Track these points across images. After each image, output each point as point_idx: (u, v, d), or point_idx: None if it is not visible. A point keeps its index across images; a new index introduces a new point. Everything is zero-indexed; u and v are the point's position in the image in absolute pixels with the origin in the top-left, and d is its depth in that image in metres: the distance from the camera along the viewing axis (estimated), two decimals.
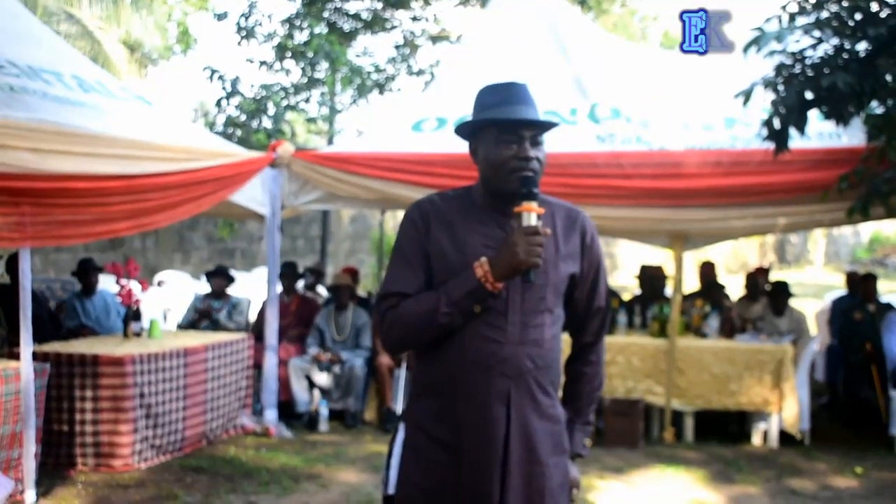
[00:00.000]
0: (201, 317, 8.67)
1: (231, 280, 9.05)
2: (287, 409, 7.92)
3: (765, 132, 6.23)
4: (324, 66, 13.64)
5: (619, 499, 6.00)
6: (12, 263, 6.90)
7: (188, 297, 9.43)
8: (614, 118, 7.77)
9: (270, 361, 7.72)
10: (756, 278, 8.89)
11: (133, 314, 7.13)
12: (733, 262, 25.28)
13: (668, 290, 8.42)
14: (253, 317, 9.01)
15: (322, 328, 8.35)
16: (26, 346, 5.32)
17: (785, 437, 7.39)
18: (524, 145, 2.49)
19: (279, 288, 8.72)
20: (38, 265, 12.04)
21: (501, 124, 2.51)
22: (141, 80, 17.12)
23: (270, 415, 7.64)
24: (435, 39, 16.52)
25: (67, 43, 8.62)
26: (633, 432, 7.29)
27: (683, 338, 7.67)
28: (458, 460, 2.48)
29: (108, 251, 13.37)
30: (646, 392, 7.52)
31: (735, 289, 9.71)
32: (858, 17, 5.83)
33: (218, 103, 13.06)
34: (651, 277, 8.77)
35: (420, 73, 15.88)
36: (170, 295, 11.01)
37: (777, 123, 6.10)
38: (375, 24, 16.10)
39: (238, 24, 14.41)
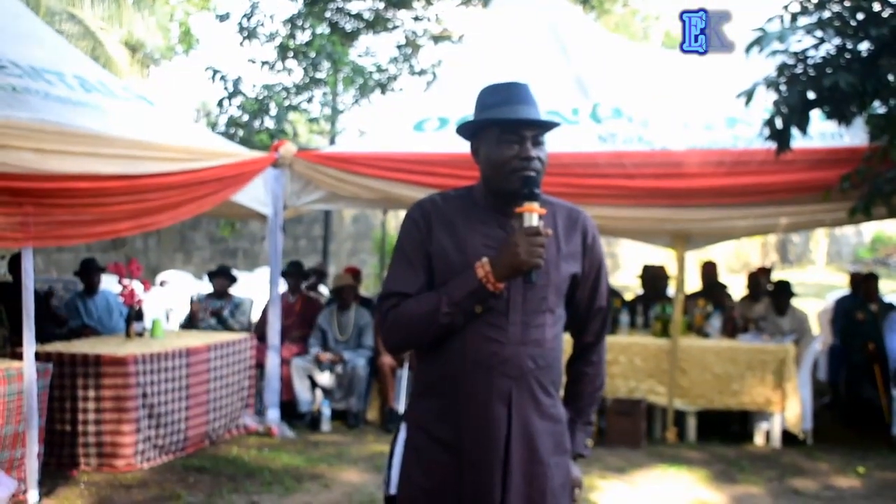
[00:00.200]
0: (211, 315, 8.66)
1: (233, 280, 9.05)
2: (289, 409, 7.93)
3: (767, 132, 6.23)
4: (326, 66, 13.64)
5: (621, 499, 6.00)
6: (15, 263, 6.92)
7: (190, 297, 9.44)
8: (616, 118, 7.77)
9: (273, 361, 7.73)
10: (758, 278, 8.88)
11: (135, 314, 7.14)
12: (735, 261, 25.25)
13: (671, 289, 8.42)
14: (256, 317, 9.01)
15: (325, 328, 8.35)
16: (29, 346, 5.33)
17: (787, 436, 7.38)
18: (526, 145, 2.49)
19: (284, 287, 8.74)
20: (41, 265, 12.05)
21: (503, 124, 2.50)
22: (143, 81, 17.13)
23: (273, 415, 7.64)
24: (437, 39, 16.52)
25: (69, 43, 8.62)
26: (635, 432, 7.29)
27: (686, 337, 7.66)
28: (460, 460, 2.48)
29: (111, 251, 13.38)
30: (648, 392, 7.51)
31: (737, 289, 9.70)
32: (860, 17, 5.83)
33: (220, 103, 13.06)
34: (653, 277, 8.77)
35: (422, 72, 15.87)
36: (172, 295, 11.03)
37: (779, 123, 6.10)
38: (377, 23, 16.09)
39: (240, 24, 14.41)
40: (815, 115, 6.21)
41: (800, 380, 7.40)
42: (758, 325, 8.04)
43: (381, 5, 15.85)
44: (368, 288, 14.95)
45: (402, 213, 3.45)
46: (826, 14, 5.86)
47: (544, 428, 2.53)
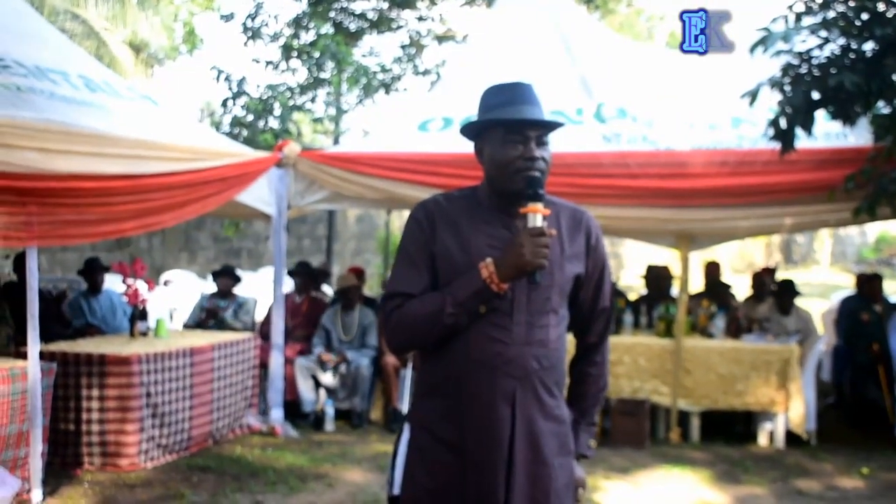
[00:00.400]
0: (208, 316, 8.67)
1: (237, 280, 9.05)
2: (293, 409, 7.93)
3: (771, 132, 6.22)
4: (330, 66, 13.65)
5: (624, 499, 5.99)
6: (20, 262, 6.93)
7: (194, 297, 9.44)
8: (620, 118, 7.77)
9: (276, 361, 7.73)
10: (762, 278, 8.87)
11: (139, 314, 7.14)
12: (739, 262, 25.22)
13: (675, 290, 8.41)
14: (260, 317, 9.02)
15: (328, 328, 8.35)
16: (33, 346, 5.34)
17: (791, 437, 7.37)
18: (530, 145, 2.49)
19: (290, 287, 8.73)
20: (45, 264, 12.07)
21: (507, 124, 2.50)
22: (147, 81, 17.14)
23: (276, 414, 7.65)
24: (441, 39, 16.52)
25: (73, 43, 8.63)
26: (639, 432, 7.28)
27: (690, 338, 7.66)
28: (463, 460, 2.48)
29: (115, 251, 13.40)
30: (652, 392, 7.51)
31: (741, 289, 9.69)
32: (865, 16, 5.82)
33: (224, 103, 13.08)
34: (657, 277, 8.76)
35: (426, 72, 15.87)
36: (176, 294, 11.03)
37: (783, 123, 6.09)
38: (381, 23, 16.10)
39: (244, 24, 14.43)
40: (820, 115, 6.19)
41: (804, 380, 7.39)
42: (762, 325, 8.03)
43: (386, 5, 15.86)
44: (372, 288, 14.97)
45: (406, 213, 3.44)
46: (831, 14, 5.86)
47: (548, 428, 2.52)
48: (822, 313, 10.50)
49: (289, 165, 7.67)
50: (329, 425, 7.78)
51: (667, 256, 14.12)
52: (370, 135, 11.75)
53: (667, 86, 8.04)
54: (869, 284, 8.79)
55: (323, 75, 13.94)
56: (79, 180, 5.57)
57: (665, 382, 7.49)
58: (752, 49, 5.72)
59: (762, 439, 7.50)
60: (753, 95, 6.00)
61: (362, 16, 15.94)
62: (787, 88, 5.99)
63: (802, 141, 6.31)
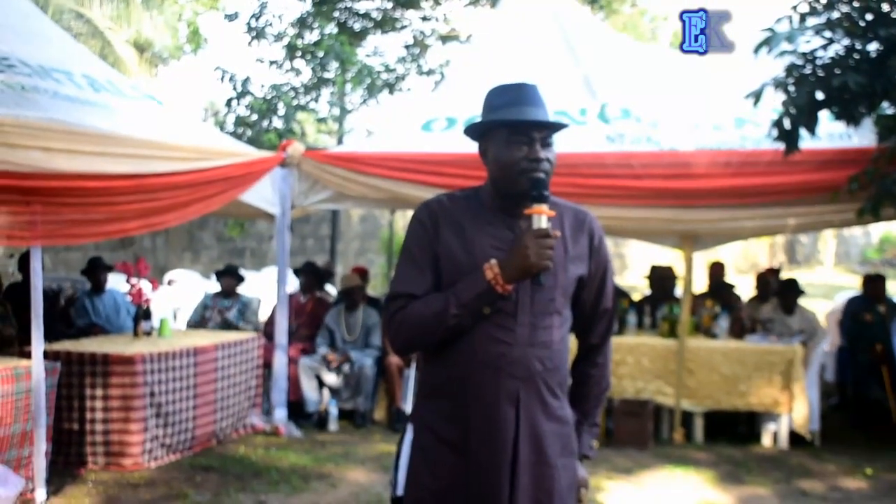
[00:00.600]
0: (211, 316, 8.67)
1: (241, 279, 9.06)
2: (297, 409, 7.93)
3: (775, 132, 6.21)
4: (334, 65, 13.65)
5: (627, 500, 5.99)
6: (24, 262, 6.94)
7: (198, 297, 9.45)
8: (624, 118, 7.76)
9: (280, 361, 7.73)
10: (766, 279, 8.86)
11: (143, 313, 7.14)
12: (743, 262, 25.21)
13: (678, 290, 8.41)
14: (263, 316, 9.02)
15: (332, 328, 8.35)
16: (37, 345, 5.35)
17: (795, 438, 7.37)
18: (534, 146, 2.48)
19: (295, 286, 8.73)
20: (49, 264, 12.09)
21: (511, 125, 2.50)
22: (151, 80, 17.17)
23: (280, 414, 7.65)
24: (445, 39, 16.52)
25: (78, 42, 8.64)
26: (642, 433, 7.28)
27: (693, 338, 7.65)
28: (467, 461, 2.48)
29: (119, 250, 13.42)
30: (655, 392, 7.50)
31: (745, 289, 9.68)
32: (869, 17, 5.82)
33: (228, 103, 13.09)
34: (661, 278, 8.76)
35: (430, 72, 15.88)
36: (180, 294, 11.05)
37: (787, 124, 6.09)
38: (385, 23, 16.10)
39: (248, 24, 14.45)
40: (824, 115, 6.19)
41: (807, 381, 7.39)
42: (765, 325, 8.02)
43: (390, 5, 15.87)
44: (376, 287, 14.98)
45: (410, 213, 3.44)
46: (835, 14, 5.86)
47: (552, 429, 2.52)
48: (826, 314, 10.49)
49: (292, 165, 7.68)
50: (332, 425, 7.78)
51: (670, 257, 14.10)
52: (374, 135, 11.78)
53: (670, 86, 8.02)
54: (872, 285, 8.77)
55: (327, 75, 13.95)
56: (83, 180, 5.58)
57: (668, 383, 7.49)
58: (757, 49, 5.71)
59: (766, 440, 7.49)
60: (757, 96, 6.00)
61: (366, 16, 15.95)
62: (791, 89, 5.99)
63: (806, 141, 6.30)
